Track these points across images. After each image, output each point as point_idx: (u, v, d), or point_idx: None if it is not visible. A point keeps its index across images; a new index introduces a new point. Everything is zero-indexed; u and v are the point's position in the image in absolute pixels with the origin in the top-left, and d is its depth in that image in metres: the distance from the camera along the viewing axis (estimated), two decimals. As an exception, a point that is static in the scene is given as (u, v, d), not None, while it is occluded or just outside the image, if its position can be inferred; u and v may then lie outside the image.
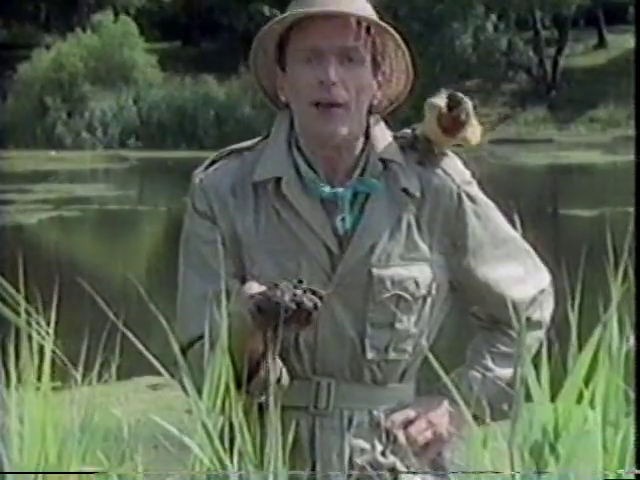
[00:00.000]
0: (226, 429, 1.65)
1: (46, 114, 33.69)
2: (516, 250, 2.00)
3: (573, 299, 1.41)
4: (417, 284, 1.94)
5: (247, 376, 1.78)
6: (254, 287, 1.80)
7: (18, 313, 1.45)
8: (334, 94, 1.88)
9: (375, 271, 1.92)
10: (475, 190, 1.99)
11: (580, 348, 1.32)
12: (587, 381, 1.30)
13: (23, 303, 1.47)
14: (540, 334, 2.00)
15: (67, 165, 26.53)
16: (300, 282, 1.76)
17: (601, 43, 40.12)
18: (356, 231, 1.92)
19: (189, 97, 35.09)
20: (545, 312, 2.02)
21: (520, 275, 1.99)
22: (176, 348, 1.53)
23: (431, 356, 1.41)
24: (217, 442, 1.42)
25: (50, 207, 16.97)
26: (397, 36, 1.91)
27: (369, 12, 1.92)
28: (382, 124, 1.99)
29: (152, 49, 36.10)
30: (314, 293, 1.74)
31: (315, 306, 1.73)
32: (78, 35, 35.39)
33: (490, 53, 37.40)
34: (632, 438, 1.28)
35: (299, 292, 1.73)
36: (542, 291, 2.01)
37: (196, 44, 41.92)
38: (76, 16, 37.91)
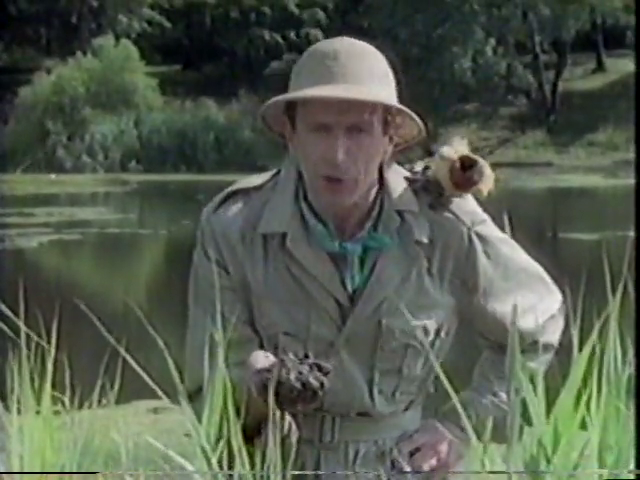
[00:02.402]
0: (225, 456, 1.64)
1: (47, 138, 33.78)
2: (527, 279, 1.99)
3: (574, 322, 1.41)
4: (426, 331, 1.92)
5: (254, 431, 1.78)
6: (260, 360, 1.77)
7: (18, 336, 1.45)
8: (342, 171, 1.82)
9: (384, 322, 1.90)
10: (486, 229, 1.96)
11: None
12: (587, 403, 1.30)
13: (23, 326, 1.47)
14: (549, 357, 2.00)
15: (67, 188, 26.56)
16: (306, 356, 1.73)
17: (600, 67, 40.26)
18: (367, 285, 1.89)
19: (189, 121, 35.19)
20: (554, 335, 2.01)
21: (530, 304, 1.98)
22: (175, 375, 1.53)
23: (432, 390, 1.40)
24: (216, 467, 1.41)
25: (50, 230, 16.98)
26: (414, 115, 1.85)
27: (383, 83, 1.84)
28: (394, 167, 1.95)
29: (153, 73, 36.22)
30: (320, 369, 1.72)
31: (321, 385, 1.71)
32: (79, 59, 35.53)
33: (489, 77, 37.52)
34: (631, 462, 1.28)
35: (305, 370, 1.71)
36: (552, 316, 2.00)
37: (196, 68, 42.08)
38: (77, 40, 38.08)
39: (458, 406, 1.35)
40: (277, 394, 1.70)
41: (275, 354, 1.78)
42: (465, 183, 1.91)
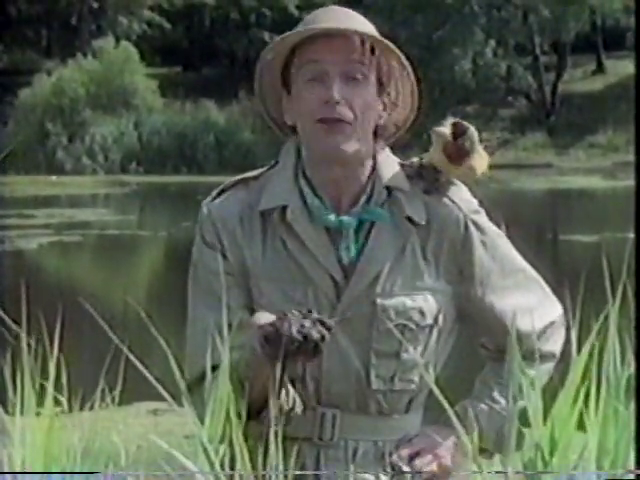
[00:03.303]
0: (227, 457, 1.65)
1: (47, 139, 33.77)
2: (526, 280, 1.99)
3: (573, 324, 1.41)
4: (422, 313, 1.93)
5: (260, 406, 1.79)
6: (264, 317, 1.80)
7: (19, 338, 1.45)
8: (338, 112, 1.88)
9: (379, 301, 1.91)
10: (483, 219, 1.98)
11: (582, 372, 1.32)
12: (586, 405, 1.30)
13: (25, 328, 1.47)
14: (550, 366, 1.99)
15: (68, 190, 26.56)
16: (309, 312, 1.76)
17: (600, 69, 40.25)
18: (360, 260, 1.92)
19: (189, 122, 35.18)
20: (555, 344, 2.00)
21: (529, 306, 1.97)
22: (178, 374, 1.54)
23: (436, 389, 1.40)
24: (218, 468, 1.42)
25: (51, 232, 16.98)
26: (400, 54, 1.92)
27: (371, 31, 1.93)
28: (388, 151, 1.99)
29: (153, 74, 36.23)
30: (322, 324, 1.74)
31: (322, 338, 1.73)
32: (79, 61, 35.52)
33: (489, 78, 37.52)
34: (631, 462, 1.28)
35: (307, 323, 1.73)
36: (552, 323, 2.00)
37: (196, 69, 42.08)
38: (77, 42, 38.08)
39: (452, 415, 1.35)
40: (279, 348, 1.72)
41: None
42: (458, 153, 1.93)
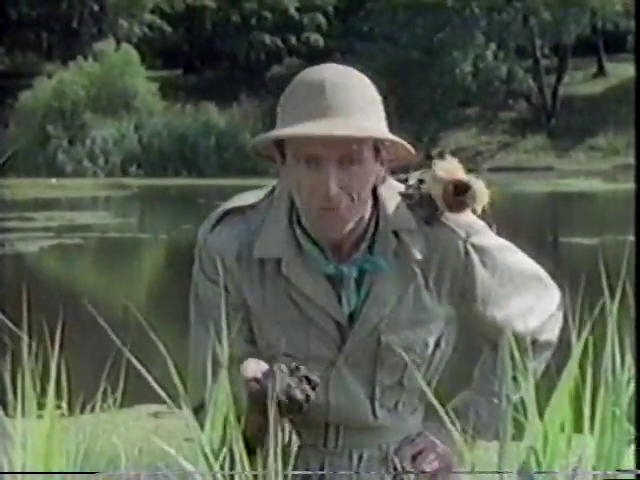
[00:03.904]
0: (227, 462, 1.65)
1: (47, 142, 33.80)
2: (524, 280, 1.99)
3: (574, 327, 1.41)
4: (426, 344, 1.94)
5: (257, 437, 1.78)
6: (251, 368, 1.78)
7: (20, 341, 1.45)
8: (335, 203, 1.81)
9: (384, 338, 1.91)
10: (483, 239, 1.95)
11: (581, 373, 1.32)
12: (583, 407, 1.30)
13: (25, 331, 1.48)
14: (548, 354, 2.01)
15: (68, 193, 26.58)
16: (297, 368, 1.75)
17: (600, 71, 40.28)
18: (365, 304, 1.90)
19: (190, 125, 35.22)
20: (552, 333, 2.02)
21: (528, 305, 1.99)
22: (176, 377, 1.54)
23: (437, 404, 1.40)
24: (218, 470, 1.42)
25: (51, 235, 16.99)
26: (399, 140, 1.84)
27: (370, 112, 1.82)
28: (388, 182, 1.92)
29: (153, 77, 36.27)
30: (309, 382, 1.74)
31: (307, 397, 1.73)
32: (80, 63, 35.57)
33: (490, 81, 37.54)
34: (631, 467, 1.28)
35: (293, 383, 1.73)
36: (551, 315, 2.01)
37: (197, 72, 42.12)
38: (78, 44, 38.11)
39: (446, 420, 1.35)
40: (264, 404, 1.71)
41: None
42: (459, 206, 1.90)
